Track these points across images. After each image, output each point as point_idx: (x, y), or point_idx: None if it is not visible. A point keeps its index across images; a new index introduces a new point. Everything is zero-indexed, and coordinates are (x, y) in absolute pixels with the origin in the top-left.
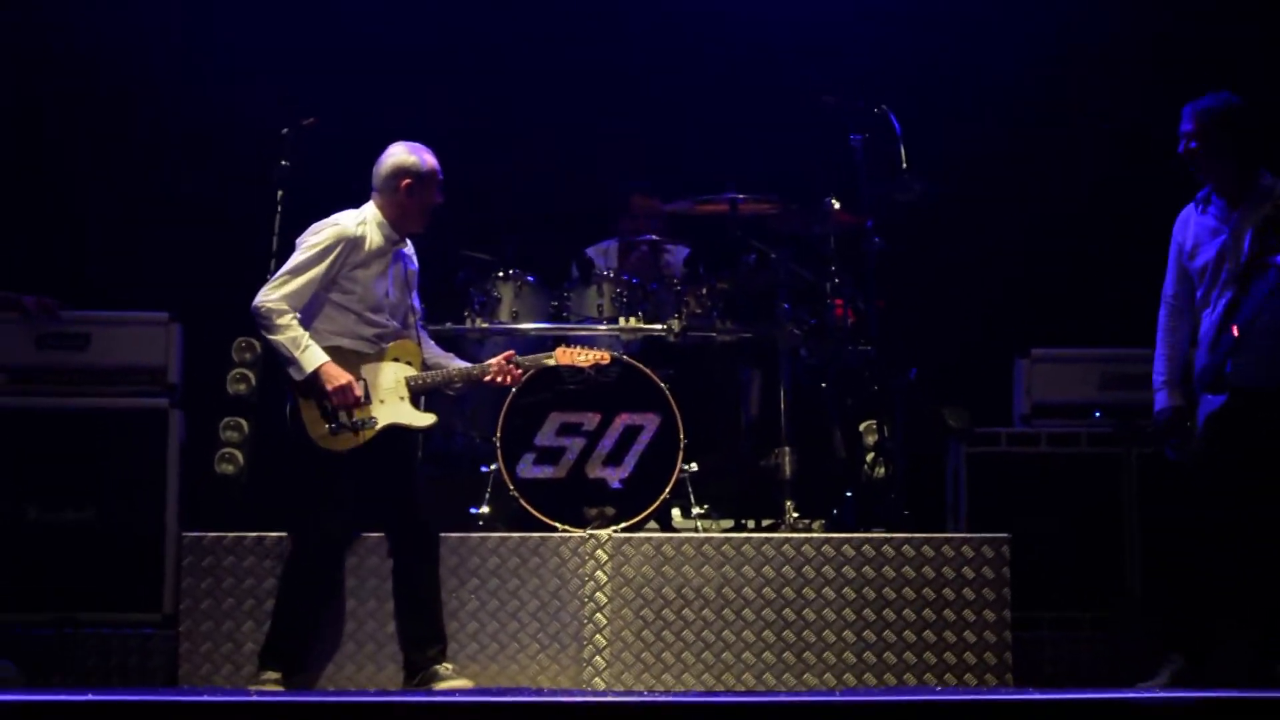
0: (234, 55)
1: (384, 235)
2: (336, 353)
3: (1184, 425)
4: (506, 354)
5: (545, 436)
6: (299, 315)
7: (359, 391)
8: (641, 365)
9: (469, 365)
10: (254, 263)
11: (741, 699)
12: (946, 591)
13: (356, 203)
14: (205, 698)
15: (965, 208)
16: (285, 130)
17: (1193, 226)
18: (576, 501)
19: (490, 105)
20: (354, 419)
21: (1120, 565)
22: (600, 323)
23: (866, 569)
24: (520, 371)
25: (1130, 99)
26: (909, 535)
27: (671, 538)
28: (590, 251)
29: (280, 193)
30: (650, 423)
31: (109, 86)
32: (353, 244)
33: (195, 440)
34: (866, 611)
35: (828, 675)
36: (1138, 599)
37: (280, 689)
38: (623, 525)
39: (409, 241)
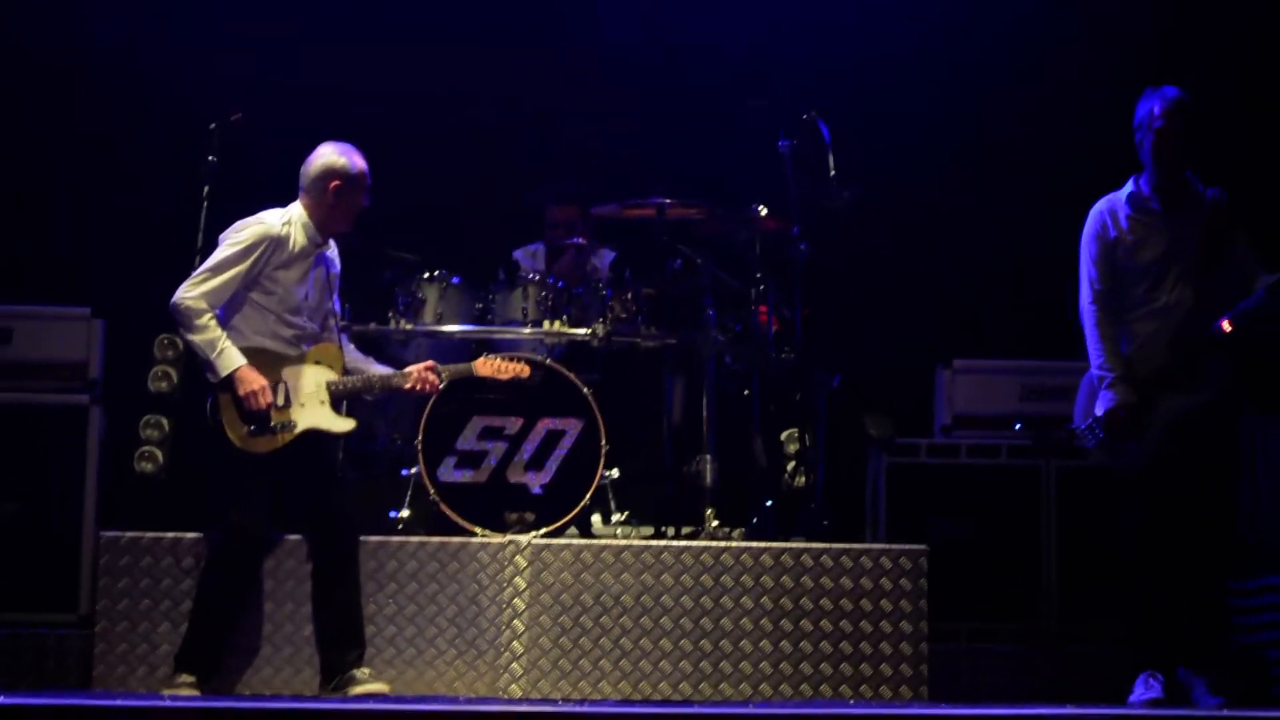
0: (162, 48)
1: (308, 236)
2: (260, 354)
3: (1139, 424)
4: (427, 363)
5: (467, 440)
6: (218, 314)
7: (270, 397)
8: (565, 370)
9: (390, 371)
10: (178, 259)
11: (657, 709)
12: (864, 602)
13: (283, 199)
14: (119, 702)
15: (891, 217)
16: (212, 125)
17: (1124, 220)
18: (497, 506)
19: (420, 105)
20: (273, 422)
21: (1037, 577)
22: (525, 326)
23: (785, 578)
24: (439, 380)
25: (1058, 113)
26: (827, 545)
27: (591, 544)
28: (518, 254)
29: (206, 188)
30: (572, 428)
31: (34, 79)
32: (276, 243)
33: (115, 438)
34: (784, 621)
35: (744, 685)
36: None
37: (195, 693)
38: (542, 531)
39: (333, 244)
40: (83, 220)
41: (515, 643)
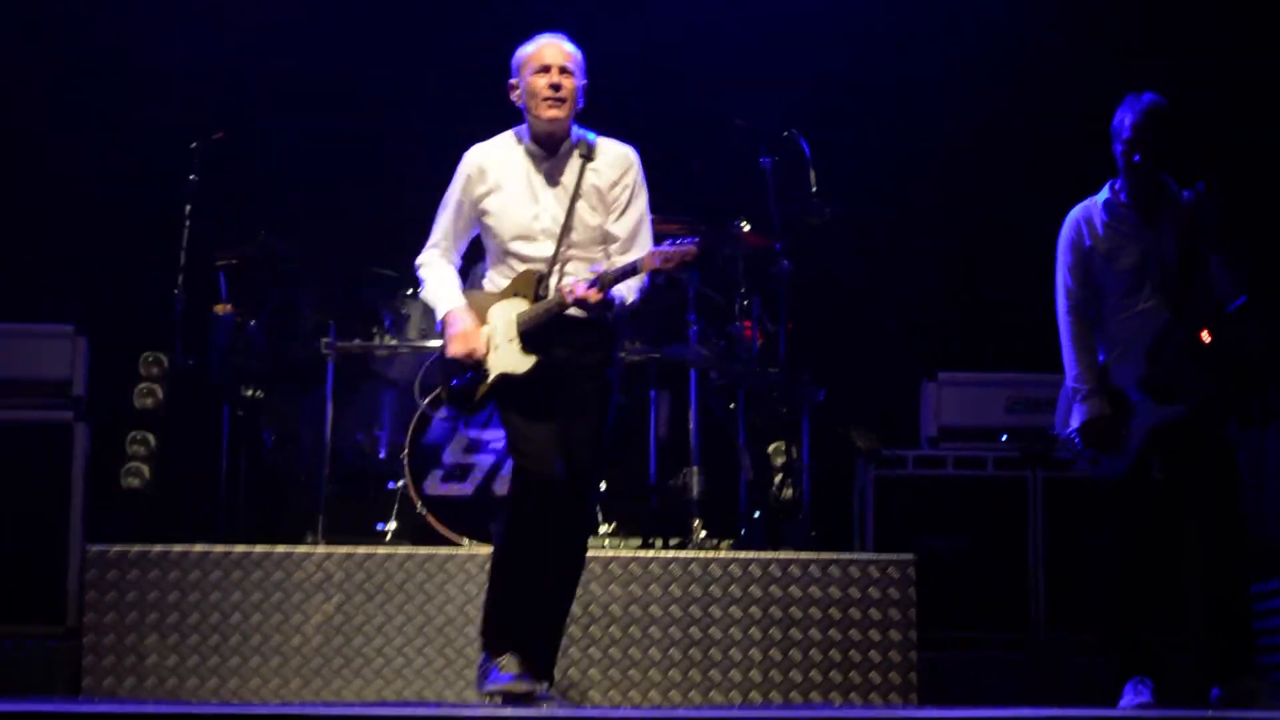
0: (145, 66)
1: (525, 149)
2: (484, 298)
3: (1118, 435)
4: (590, 271)
5: (453, 454)
6: (445, 255)
7: (470, 344)
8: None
9: (559, 295)
10: (161, 276)
11: (645, 713)
12: (852, 611)
13: (269, 219)
14: (108, 708)
15: (874, 231)
16: (194, 144)
17: (1100, 228)
18: (483, 518)
19: (402, 123)
20: (466, 374)
21: (1025, 587)
22: None
23: (773, 588)
24: (599, 290)
25: (1039, 125)
26: (815, 555)
27: None
28: None
29: (188, 206)
30: None
31: (15, 91)
32: (475, 174)
33: (101, 454)
34: (773, 630)
35: (733, 693)
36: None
37: (517, 672)
38: None
39: (601, 150)
40: (66, 237)
41: None
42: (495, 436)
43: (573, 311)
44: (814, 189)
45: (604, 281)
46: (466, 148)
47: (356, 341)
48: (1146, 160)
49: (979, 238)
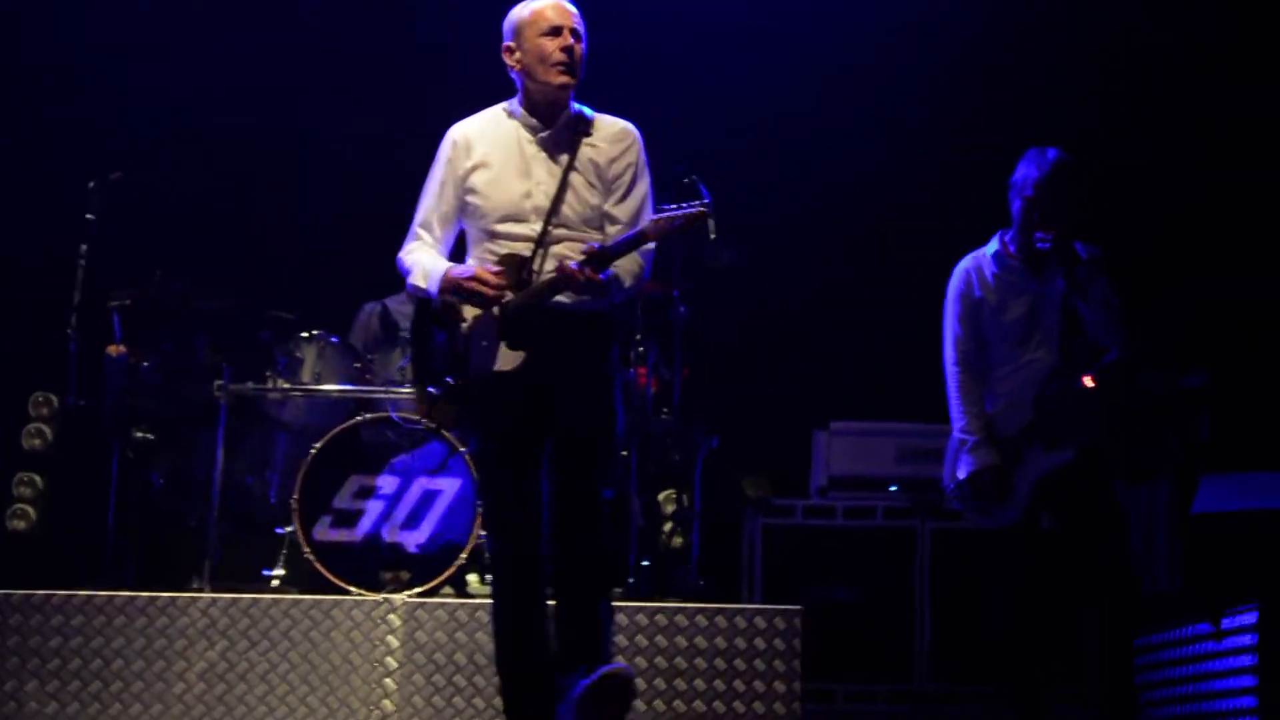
0: (43, 101)
1: (519, 122)
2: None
3: (1007, 486)
4: (586, 249)
5: (343, 499)
6: (430, 245)
7: (498, 282)
8: (442, 430)
9: (552, 275)
10: (54, 316)
11: None
12: (738, 662)
13: (166, 260)
14: None
15: (769, 279)
16: (91, 184)
17: (991, 280)
18: (372, 565)
19: (301, 166)
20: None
21: (911, 638)
22: (403, 385)
23: (660, 638)
24: (593, 268)
25: (937, 179)
26: (702, 605)
27: (466, 604)
28: (390, 302)
29: (84, 246)
30: (449, 487)
31: None
32: (461, 148)
33: None
34: (658, 681)
35: None
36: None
37: None
38: (417, 590)
39: (602, 125)
40: None
41: (386, 701)
42: (386, 483)
43: (563, 299)
44: (712, 235)
45: (601, 257)
46: (372, 190)
47: (249, 384)
48: (1045, 220)
49: (873, 287)
